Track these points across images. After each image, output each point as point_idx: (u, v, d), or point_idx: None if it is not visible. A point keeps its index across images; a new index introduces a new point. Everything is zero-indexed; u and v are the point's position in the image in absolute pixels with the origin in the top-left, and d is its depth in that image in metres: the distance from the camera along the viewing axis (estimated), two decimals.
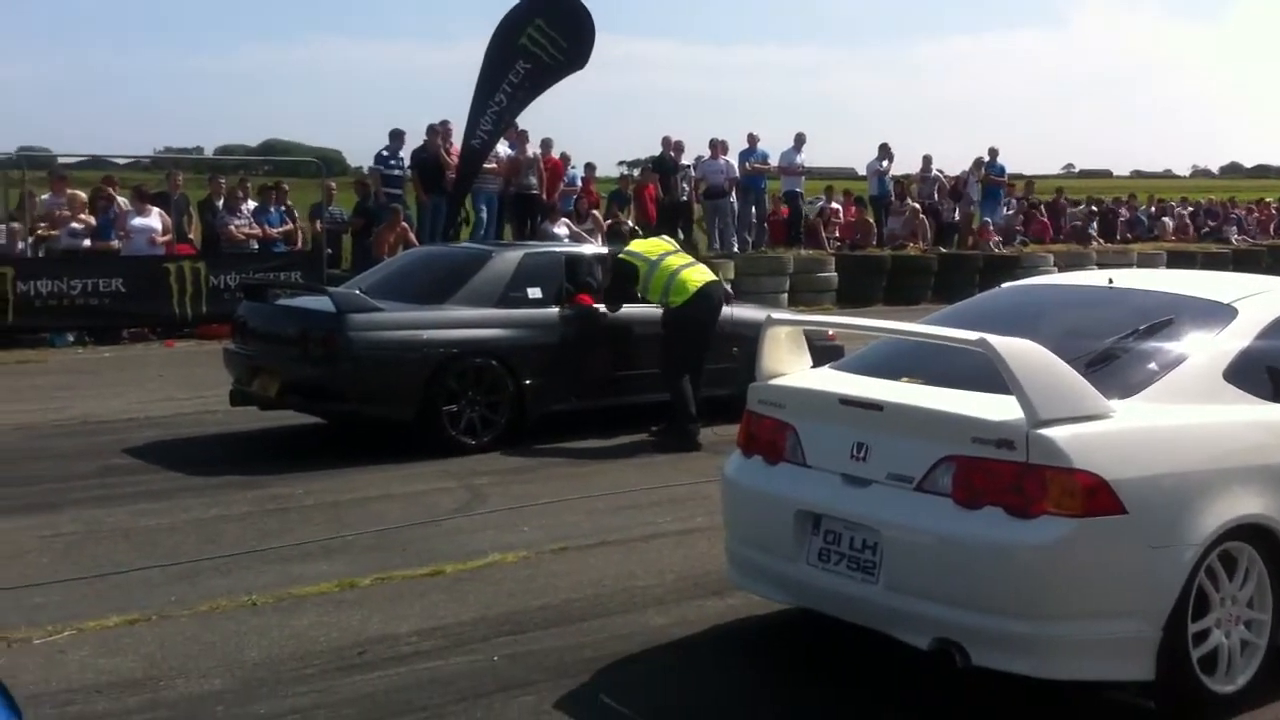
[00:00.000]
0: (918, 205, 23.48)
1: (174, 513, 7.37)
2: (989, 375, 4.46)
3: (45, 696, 4.63)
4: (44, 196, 16.97)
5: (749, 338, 10.18)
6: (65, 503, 7.56)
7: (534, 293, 9.75)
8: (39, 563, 6.38)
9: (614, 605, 5.79)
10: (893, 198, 23.80)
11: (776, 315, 5.64)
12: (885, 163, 23.69)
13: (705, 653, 5.27)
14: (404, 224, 17.45)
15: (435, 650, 5.19)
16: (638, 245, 10.10)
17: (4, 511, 7.32)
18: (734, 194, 21.23)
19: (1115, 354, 4.87)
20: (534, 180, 18.83)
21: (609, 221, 19.41)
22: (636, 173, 24.26)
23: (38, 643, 5.21)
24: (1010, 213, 25.51)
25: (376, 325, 8.97)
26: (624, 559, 6.54)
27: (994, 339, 4.43)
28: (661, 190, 20.89)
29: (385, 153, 18.44)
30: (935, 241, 23.37)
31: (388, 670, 4.96)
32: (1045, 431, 4.27)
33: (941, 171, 24.97)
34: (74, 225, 15.98)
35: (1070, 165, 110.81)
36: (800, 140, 22.28)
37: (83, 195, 16.82)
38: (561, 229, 18.12)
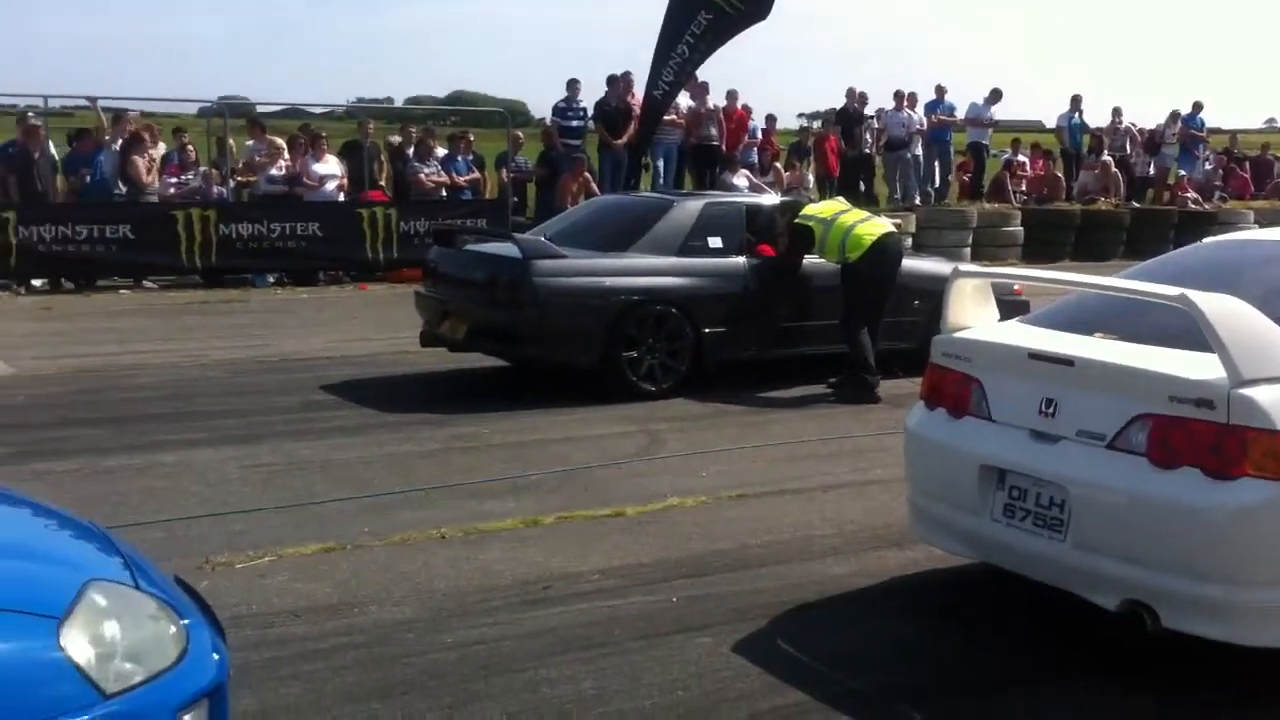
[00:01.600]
0: (1109, 158, 22.69)
1: (368, 447, 7.66)
2: (1188, 332, 4.33)
3: (246, 619, 4.87)
4: (246, 143, 17.68)
5: (931, 291, 10.08)
6: (266, 435, 7.91)
7: (714, 242, 9.77)
8: (241, 491, 6.71)
9: (792, 553, 5.83)
10: (1084, 151, 23.05)
11: (964, 267, 5.57)
12: (1077, 115, 22.95)
13: (885, 604, 5.27)
14: (587, 174, 17.64)
15: (616, 589, 5.30)
16: (811, 209, 10.07)
17: (209, 442, 7.70)
18: (917, 146, 20.83)
19: None
20: (714, 131, 18.81)
21: (787, 181, 19.25)
22: (817, 124, 24.03)
23: (239, 567, 5.48)
24: (1209, 168, 24.45)
25: (561, 272, 9.13)
26: (802, 508, 6.56)
27: (1195, 294, 4.29)
28: (844, 142, 20.64)
29: (562, 104, 18.62)
30: (1128, 196, 22.56)
31: (570, 606, 5.09)
32: (1247, 391, 4.13)
33: (1133, 124, 24.08)
34: (273, 171, 16.59)
35: (1272, 119, 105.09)
36: (996, 95, 21.68)
37: (281, 142, 17.46)
38: (741, 180, 18.08)
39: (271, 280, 15.67)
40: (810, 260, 9.84)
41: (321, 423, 8.28)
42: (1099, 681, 4.52)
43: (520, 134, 20.51)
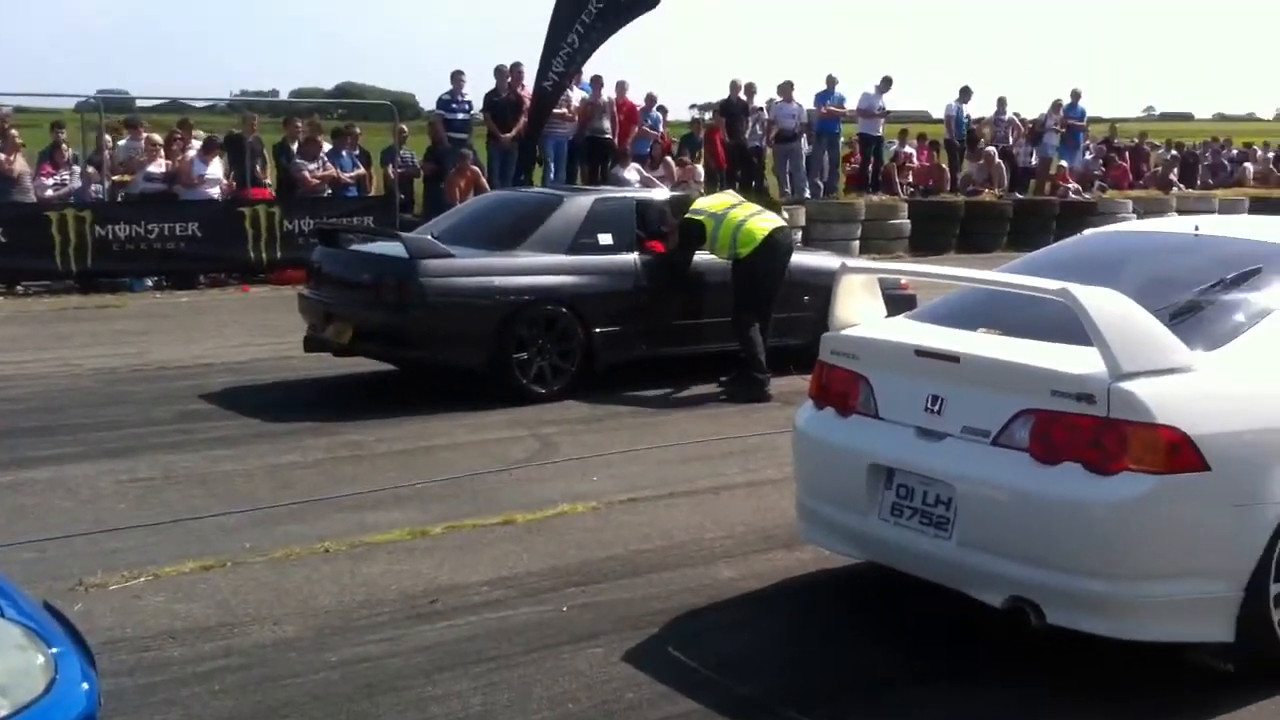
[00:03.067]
0: (993, 150, 23.09)
1: (249, 459, 7.45)
2: (1070, 326, 4.36)
3: (122, 642, 4.69)
4: (121, 142, 17.17)
5: (820, 286, 10.11)
6: (143, 448, 7.65)
7: (605, 239, 9.68)
8: (116, 508, 6.47)
9: (683, 557, 5.78)
10: (970, 142, 23.42)
11: (851, 263, 5.58)
12: (965, 106, 23.31)
13: (775, 606, 5.25)
14: (474, 168, 17.44)
15: (505, 600, 5.21)
16: (702, 203, 10.01)
17: (82, 456, 7.43)
18: (806, 138, 20.94)
19: (1200, 305, 4.73)
20: (606, 124, 18.73)
21: (678, 176, 19.20)
22: (707, 116, 24.04)
23: (114, 588, 5.28)
24: (1090, 157, 25.01)
25: (449, 272, 8.97)
26: (693, 510, 6.52)
27: (1076, 288, 4.33)
28: (728, 135, 20.67)
29: (447, 96, 18.39)
30: (1011, 187, 22.98)
31: (458, 619, 4.99)
32: (1127, 385, 4.17)
33: (1017, 114, 24.52)
34: (150, 170, 16.14)
35: (1150, 108, 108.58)
36: (887, 83, 21.64)
37: (159, 139, 16.98)
38: (632, 174, 18.03)
39: (149, 284, 15.20)
40: (701, 257, 9.80)
41: (200, 434, 8.03)
42: (987, 679, 4.53)
43: (405, 128, 20.19)
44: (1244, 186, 27.21)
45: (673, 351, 9.84)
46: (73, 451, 7.53)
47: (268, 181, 17.75)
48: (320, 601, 5.16)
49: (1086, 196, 23.26)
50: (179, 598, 5.18)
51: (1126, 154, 26.75)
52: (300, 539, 5.94)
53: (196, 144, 16.93)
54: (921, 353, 4.77)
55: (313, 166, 17.16)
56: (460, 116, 18.32)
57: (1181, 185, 25.94)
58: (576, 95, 18.42)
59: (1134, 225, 7.05)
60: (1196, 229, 5.47)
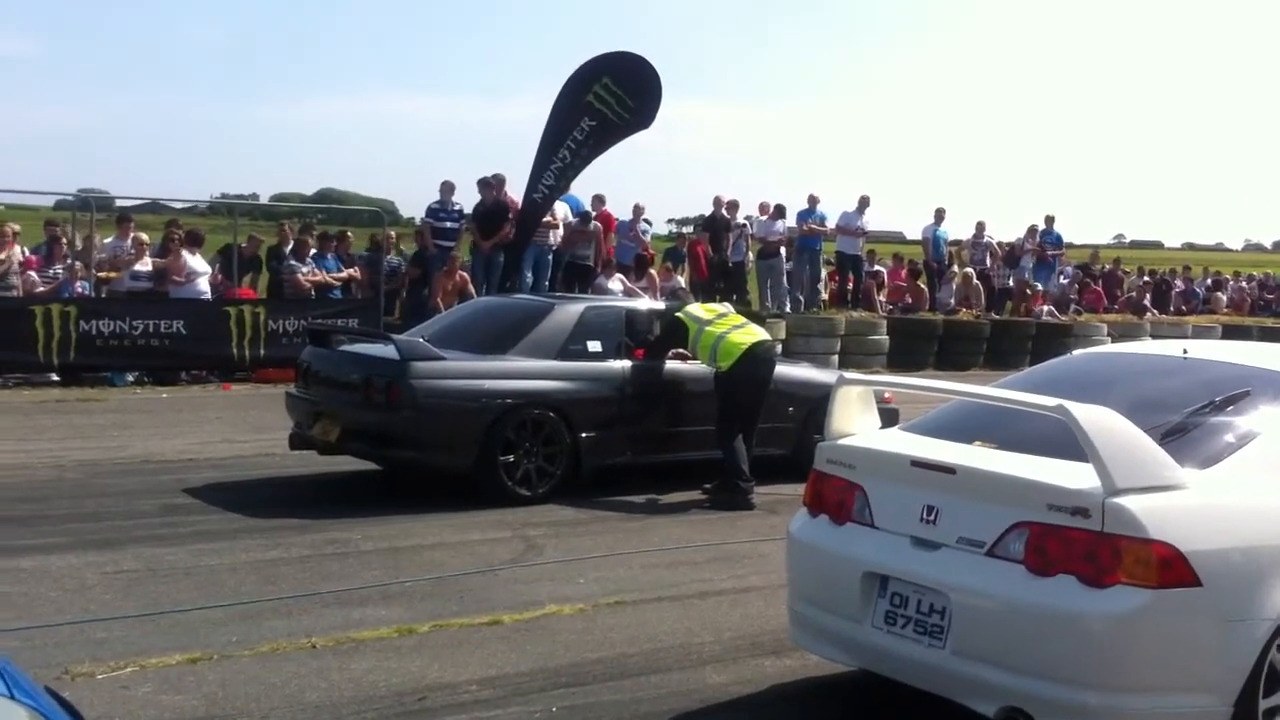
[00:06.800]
0: (970, 271, 23.45)
1: (234, 553, 7.41)
2: (1063, 441, 4.44)
3: None
4: (108, 240, 17.26)
5: (804, 397, 10.23)
6: (127, 540, 7.61)
7: (594, 346, 9.78)
8: (102, 598, 6.42)
9: (671, 661, 5.77)
10: (947, 263, 23.80)
11: (848, 375, 5.67)
12: (941, 226, 23.71)
13: (765, 712, 5.24)
14: (463, 273, 17.57)
15: (495, 699, 5.18)
16: (693, 308, 10.13)
17: (67, 546, 7.38)
18: (787, 254, 21.22)
19: (1191, 425, 4.82)
20: (590, 253, 18.93)
21: (669, 287, 19.40)
22: (688, 230, 24.36)
23: (101, 677, 5.23)
24: (1065, 281, 25.43)
25: (439, 374, 9.02)
26: (680, 615, 6.51)
27: (1073, 405, 4.41)
28: (711, 249, 20.93)
29: (436, 205, 18.62)
30: (988, 307, 23.30)
31: (448, 717, 4.96)
32: (1121, 500, 4.24)
33: (992, 237, 24.94)
34: (137, 268, 16.21)
35: (1121, 235, 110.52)
36: (864, 203, 22.00)
37: (146, 238, 17.08)
38: (615, 284, 18.21)
39: (130, 379, 15.17)
40: (688, 366, 9.90)
41: (184, 527, 7.99)
42: None
43: (394, 234, 20.39)
44: (1217, 314, 27.69)
45: (657, 458, 9.87)
46: (57, 542, 7.47)
47: (244, 280, 17.87)
48: (308, 697, 5.12)
49: (1062, 319, 23.60)
50: (166, 689, 5.13)
51: (1101, 278, 27.22)
52: (287, 634, 5.90)
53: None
54: (918, 464, 4.84)
55: (305, 270, 17.30)
56: (449, 225, 18.50)
57: (1155, 311, 26.36)
58: (561, 209, 18.59)
59: (1123, 347, 7.17)
60: (1185, 352, 5.59)
